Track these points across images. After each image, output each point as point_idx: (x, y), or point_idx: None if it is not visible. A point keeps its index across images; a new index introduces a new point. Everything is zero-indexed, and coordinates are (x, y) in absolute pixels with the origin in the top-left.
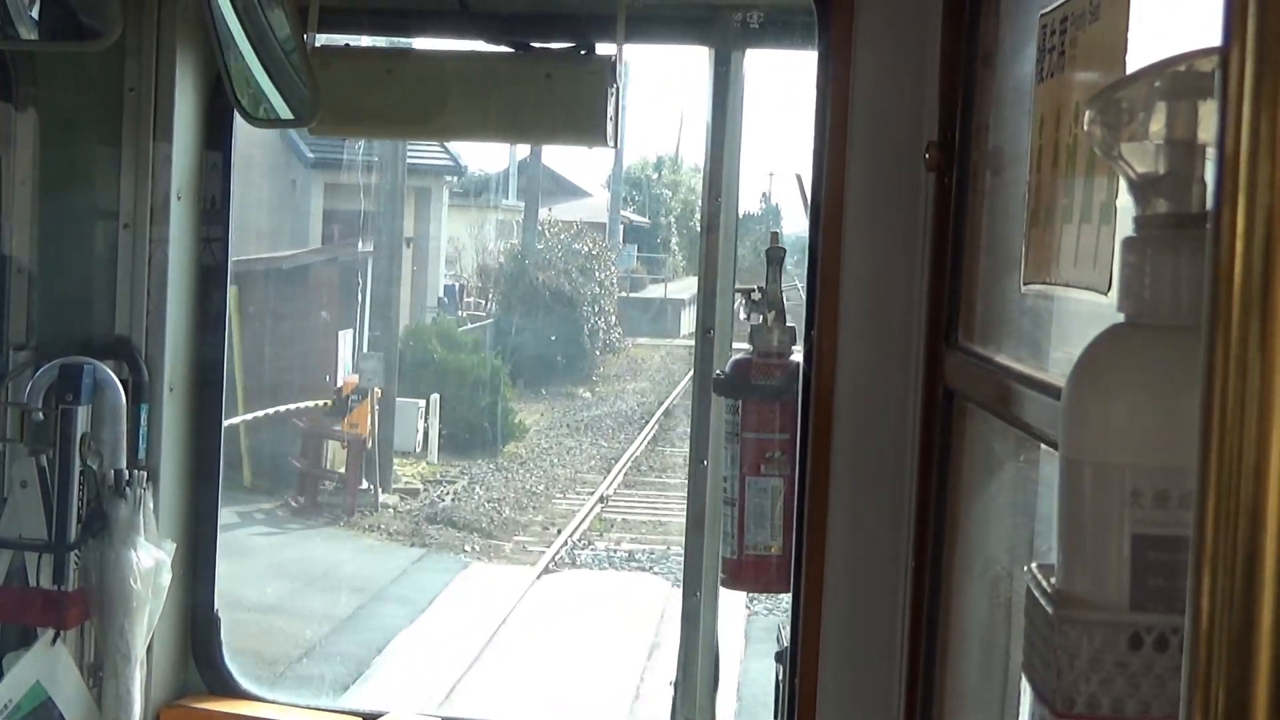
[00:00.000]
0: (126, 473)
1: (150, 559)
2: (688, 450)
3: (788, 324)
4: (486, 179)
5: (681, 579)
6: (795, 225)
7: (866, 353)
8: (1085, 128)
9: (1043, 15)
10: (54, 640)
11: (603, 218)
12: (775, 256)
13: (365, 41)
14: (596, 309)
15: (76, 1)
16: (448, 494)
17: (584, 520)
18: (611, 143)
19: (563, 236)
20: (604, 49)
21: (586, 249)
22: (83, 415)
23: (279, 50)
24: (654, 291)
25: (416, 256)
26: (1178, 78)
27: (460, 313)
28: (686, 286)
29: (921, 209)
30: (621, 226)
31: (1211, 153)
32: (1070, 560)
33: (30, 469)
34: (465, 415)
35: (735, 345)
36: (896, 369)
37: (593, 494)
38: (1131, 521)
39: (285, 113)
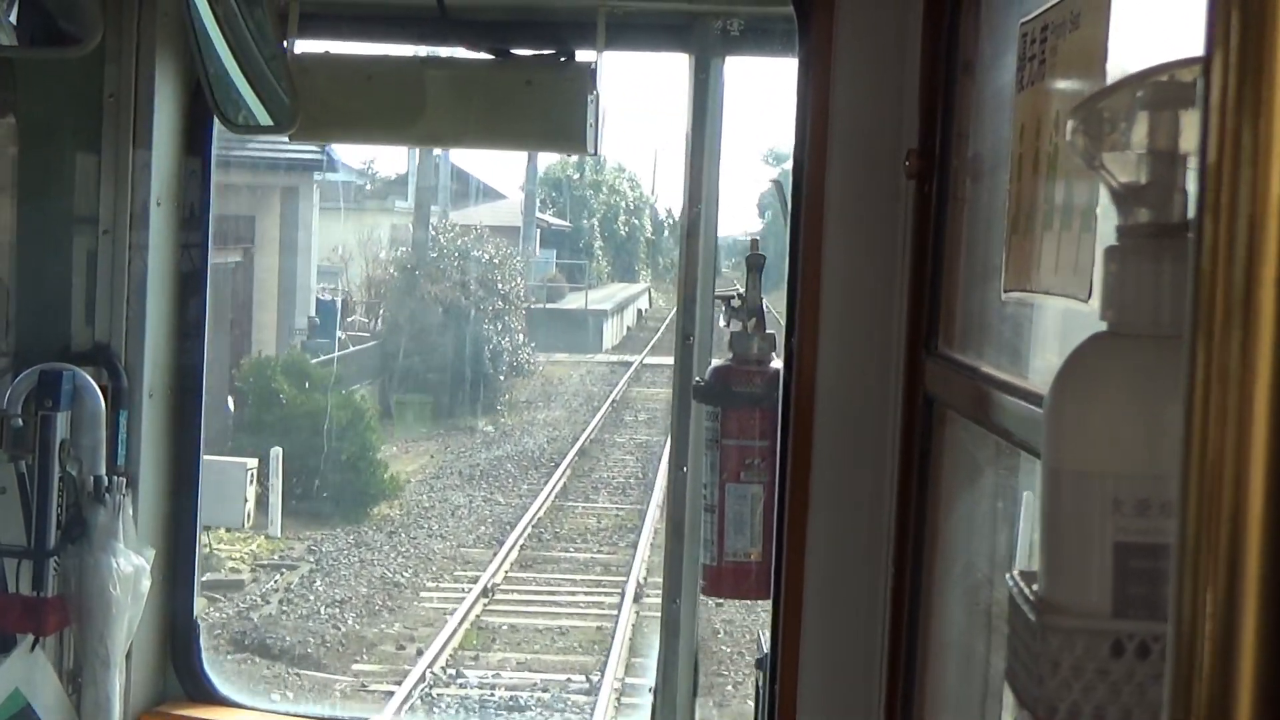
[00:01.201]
0: (106, 479)
1: (130, 565)
2: (604, 507)
3: (767, 331)
4: (384, 180)
5: (661, 595)
6: (727, 228)
7: (846, 359)
8: (1068, 137)
9: (1023, 24)
10: (33, 646)
11: (519, 221)
12: (755, 263)
13: (345, 48)
14: (501, 325)
15: (56, 7)
16: (276, 591)
17: (456, 630)
18: (592, 149)
19: (460, 242)
20: (584, 56)
21: (488, 256)
22: (62, 421)
23: (259, 57)
24: (575, 301)
25: (284, 268)
26: (1159, 88)
27: (340, 334)
28: (609, 295)
29: (901, 216)
30: (538, 230)
31: (1194, 163)
32: (1052, 568)
33: (9, 475)
34: (323, 470)
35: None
36: (876, 376)
37: (475, 582)
38: (1113, 529)
39: (265, 119)
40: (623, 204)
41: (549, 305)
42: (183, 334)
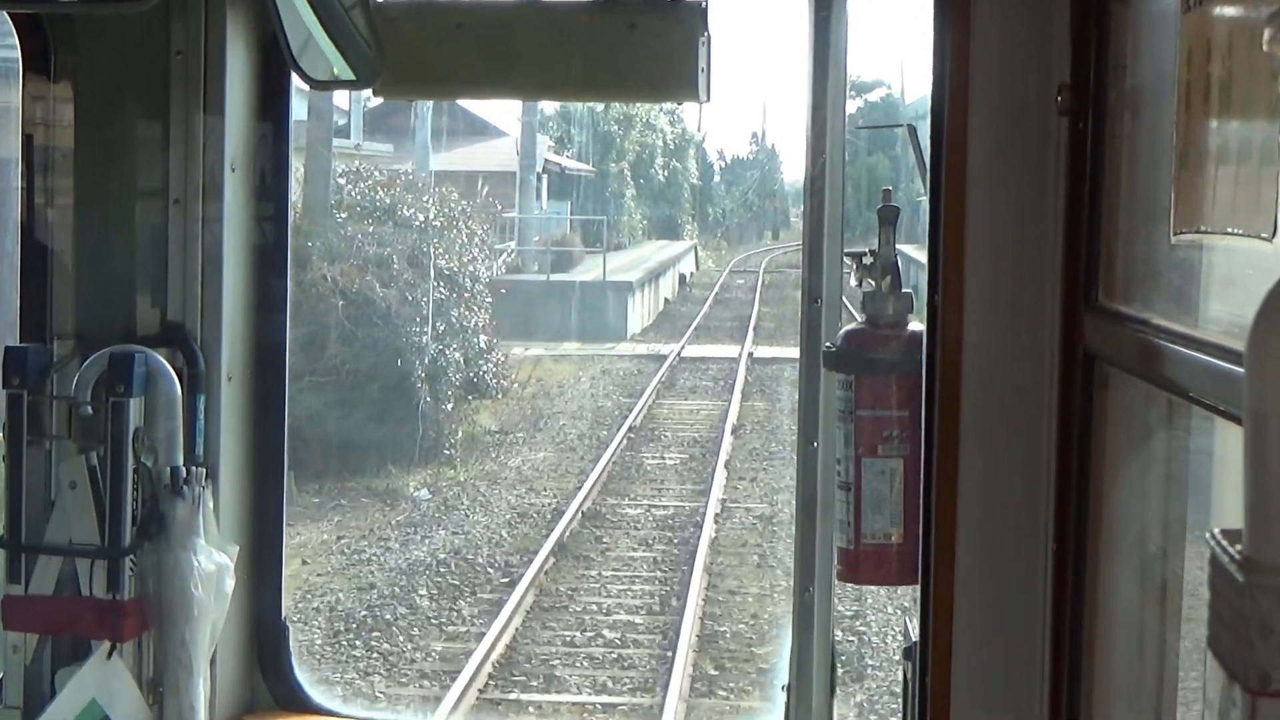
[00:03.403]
0: (184, 470)
1: (211, 563)
2: (580, 703)
3: (903, 290)
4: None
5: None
6: (795, 173)
7: (996, 317)
8: (1265, 45)
9: None
10: (110, 653)
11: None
12: (888, 216)
13: None
14: (445, 323)
15: None
16: None
17: None
18: (705, 97)
19: (383, 196)
20: None
21: (425, 217)
22: (135, 408)
23: (339, 6)
24: (593, 269)
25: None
26: None
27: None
28: (640, 259)
29: (1053, 157)
30: (544, 177)
31: None
32: (1260, 523)
33: (80, 468)
34: None
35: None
36: (1030, 333)
37: None
38: None
39: (346, 74)
40: (660, 143)
41: (553, 276)
42: (261, 311)
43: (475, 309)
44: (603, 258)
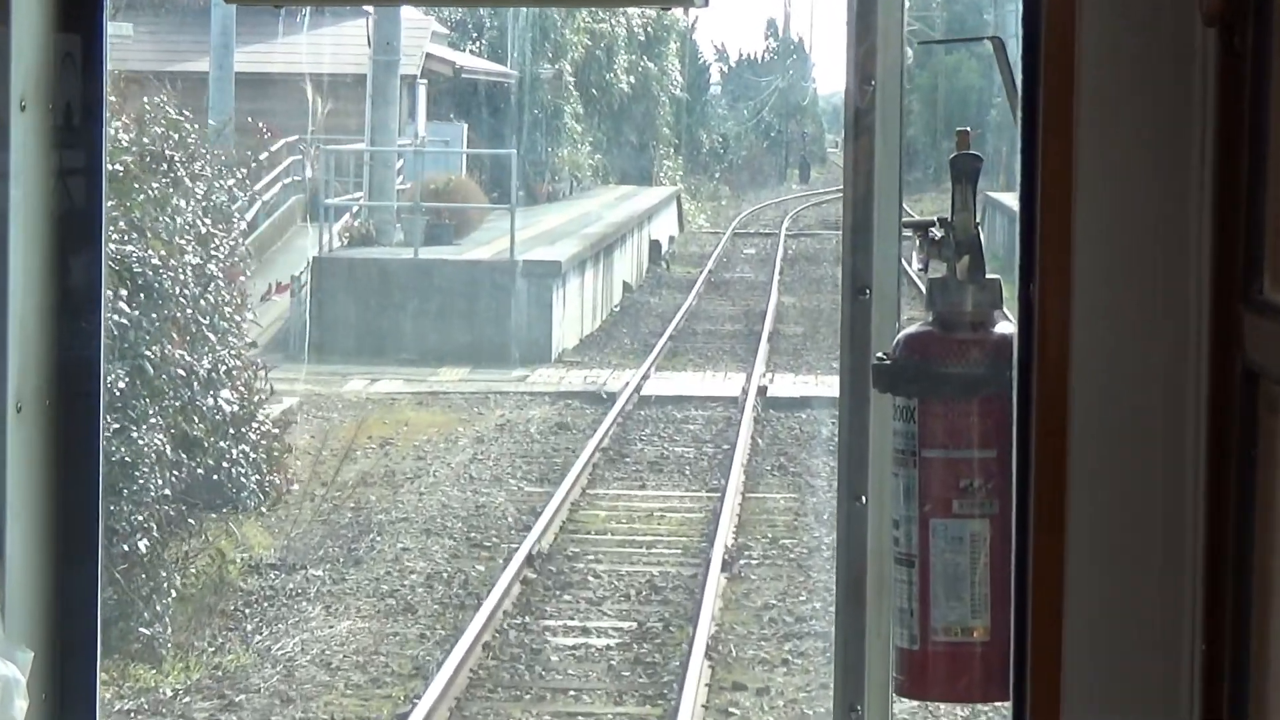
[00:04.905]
0: None
1: None
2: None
3: (988, 275)
4: None
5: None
6: (833, 83)
7: (1118, 316)
8: None
9: None
10: None
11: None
12: (965, 169)
13: None
14: (137, 377)
15: None
16: None
17: None
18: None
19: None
20: None
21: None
22: None
23: None
24: (495, 238)
25: None
26: None
27: None
28: (582, 219)
29: (1198, 86)
30: (420, 84)
31: None
32: None
33: None
34: None
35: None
36: (1167, 340)
37: None
38: None
39: None
40: (624, 33)
41: (425, 253)
42: (65, 312)
43: (215, 340)
44: (510, 219)
